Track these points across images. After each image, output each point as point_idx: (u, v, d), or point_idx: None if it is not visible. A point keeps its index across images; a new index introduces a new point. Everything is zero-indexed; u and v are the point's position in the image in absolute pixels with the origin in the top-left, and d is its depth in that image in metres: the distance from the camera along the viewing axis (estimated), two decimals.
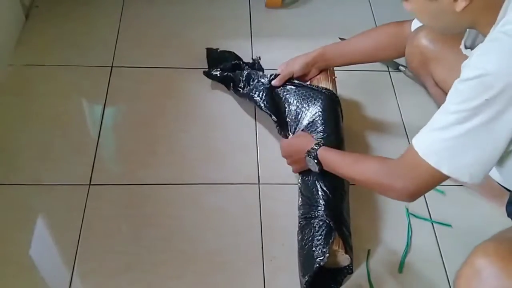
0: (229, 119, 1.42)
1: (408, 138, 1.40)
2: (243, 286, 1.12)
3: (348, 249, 1.07)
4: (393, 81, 1.57)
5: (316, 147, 1.10)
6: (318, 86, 1.29)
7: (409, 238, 1.21)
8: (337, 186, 1.15)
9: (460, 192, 1.31)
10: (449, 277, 1.16)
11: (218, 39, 1.63)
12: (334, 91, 1.30)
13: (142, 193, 1.25)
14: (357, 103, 1.50)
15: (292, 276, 1.12)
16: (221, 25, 1.69)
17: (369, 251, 1.18)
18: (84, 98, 1.45)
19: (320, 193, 1.12)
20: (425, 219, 1.25)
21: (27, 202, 1.21)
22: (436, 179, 0.87)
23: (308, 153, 1.10)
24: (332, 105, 1.25)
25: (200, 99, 1.47)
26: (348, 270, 1.09)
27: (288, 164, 1.22)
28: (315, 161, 1.09)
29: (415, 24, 1.17)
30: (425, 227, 1.24)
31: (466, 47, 0.96)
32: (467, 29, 0.95)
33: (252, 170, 1.32)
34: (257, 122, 1.42)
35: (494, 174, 1.04)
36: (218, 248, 1.17)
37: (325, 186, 1.13)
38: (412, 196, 0.92)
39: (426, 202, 1.29)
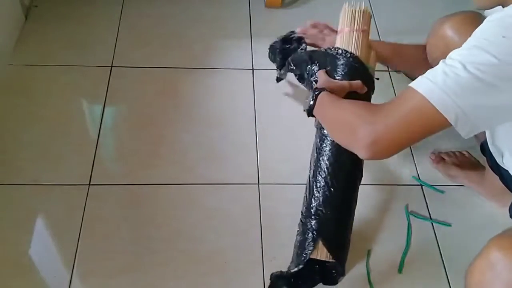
0: (229, 119, 1.42)
1: None
2: (243, 286, 1.12)
3: (337, 256, 1.03)
4: (393, 81, 1.57)
5: (313, 94, 1.01)
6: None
7: (409, 238, 1.21)
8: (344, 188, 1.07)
9: (460, 192, 1.31)
10: (449, 277, 1.16)
11: (218, 39, 1.64)
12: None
13: (142, 193, 1.25)
14: None
15: None
16: (221, 25, 1.69)
17: (369, 251, 1.18)
18: (84, 98, 1.45)
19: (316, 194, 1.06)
20: (425, 219, 1.25)
21: (26, 202, 1.21)
22: (422, 118, 0.76)
23: (314, 89, 1.02)
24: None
25: (200, 99, 1.47)
26: (337, 273, 1.07)
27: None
28: (311, 97, 1.00)
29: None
30: (425, 227, 1.24)
31: None
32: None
33: (252, 170, 1.32)
34: (257, 122, 1.42)
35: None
36: (218, 248, 1.17)
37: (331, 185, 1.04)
38: (380, 143, 0.80)
39: (426, 202, 1.29)
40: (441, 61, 0.78)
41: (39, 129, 1.35)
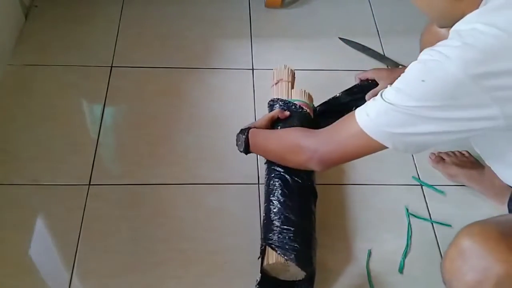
0: (229, 119, 1.42)
1: None
2: (243, 286, 1.12)
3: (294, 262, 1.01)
4: None
5: (244, 132, 1.11)
6: None
7: (409, 238, 1.21)
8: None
9: (460, 192, 1.31)
10: None
11: (218, 39, 1.64)
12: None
13: (142, 193, 1.25)
14: None
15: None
16: (221, 25, 1.69)
17: (369, 251, 1.18)
18: (84, 98, 1.45)
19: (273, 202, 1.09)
20: (425, 219, 1.25)
21: (27, 202, 1.21)
22: (360, 144, 0.88)
23: (241, 130, 1.13)
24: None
25: (200, 99, 1.47)
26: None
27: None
28: (244, 137, 1.10)
29: None
30: (425, 227, 1.24)
31: None
32: None
33: (252, 170, 1.32)
34: None
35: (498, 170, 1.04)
36: (218, 248, 1.17)
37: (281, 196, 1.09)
38: (325, 160, 0.95)
39: (426, 202, 1.29)
40: (379, 95, 0.86)
41: (39, 129, 1.35)
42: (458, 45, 0.76)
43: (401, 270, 1.16)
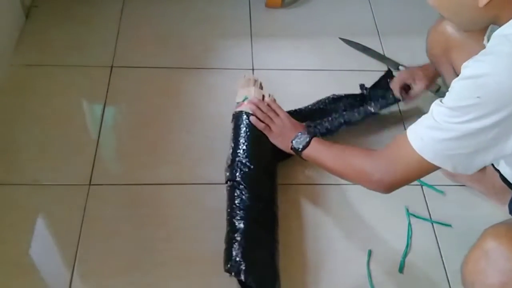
0: (229, 119, 1.41)
1: None
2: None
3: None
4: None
5: (310, 136, 1.13)
6: None
7: (409, 238, 1.21)
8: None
9: (460, 192, 1.31)
10: (449, 277, 1.16)
11: (218, 39, 1.64)
12: None
13: (142, 193, 1.25)
14: None
15: (292, 276, 1.11)
16: (221, 25, 1.69)
17: (369, 251, 1.18)
18: (84, 98, 1.45)
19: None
20: (425, 219, 1.25)
21: (27, 202, 1.21)
22: (421, 169, 0.87)
23: (302, 133, 1.14)
24: None
25: (200, 99, 1.47)
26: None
27: (271, 132, 1.21)
28: (306, 142, 1.12)
29: None
30: (425, 227, 1.24)
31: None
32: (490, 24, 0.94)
33: None
34: None
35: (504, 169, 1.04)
36: (219, 248, 1.16)
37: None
38: (390, 187, 0.95)
39: (426, 202, 1.29)
40: (429, 114, 0.85)
41: (39, 129, 1.35)
42: (509, 52, 0.74)
43: (401, 270, 1.16)
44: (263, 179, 1.18)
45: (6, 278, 1.09)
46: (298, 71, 1.57)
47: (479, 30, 0.92)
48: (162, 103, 1.45)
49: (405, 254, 1.19)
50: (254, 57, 1.59)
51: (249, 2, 1.77)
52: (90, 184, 1.25)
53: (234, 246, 1.06)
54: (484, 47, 0.92)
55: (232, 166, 1.17)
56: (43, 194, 1.22)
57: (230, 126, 1.35)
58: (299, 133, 1.15)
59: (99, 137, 1.35)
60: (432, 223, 1.25)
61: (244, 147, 1.19)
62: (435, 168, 0.85)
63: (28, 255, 1.13)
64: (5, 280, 1.09)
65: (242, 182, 1.13)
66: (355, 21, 1.75)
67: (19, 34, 1.58)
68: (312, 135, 1.14)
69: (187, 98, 1.47)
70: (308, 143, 1.12)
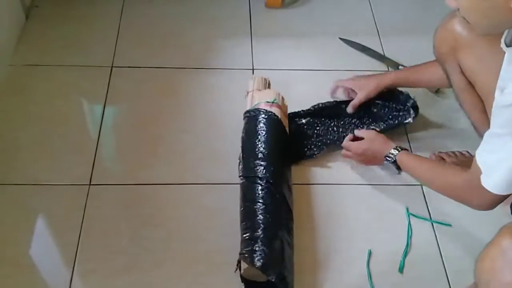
0: (229, 119, 1.42)
1: (408, 138, 1.40)
2: (243, 286, 1.11)
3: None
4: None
5: (394, 152, 1.19)
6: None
7: (409, 238, 1.21)
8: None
9: None
10: (449, 277, 1.16)
11: (218, 39, 1.64)
12: None
13: (142, 193, 1.25)
14: None
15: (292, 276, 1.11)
16: (221, 25, 1.69)
17: (369, 251, 1.18)
18: (84, 98, 1.45)
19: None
20: (425, 219, 1.25)
21: (27, 202, 1.21)
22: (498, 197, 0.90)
23: (387, 157, 1.20)
24: None
25: (200, 99, 1.47)
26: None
27: (360, 161, 1.29)
28: (395, 166, 1.19)
29: None
30: (425, 227, 1.24)
31: (507, 45, 0.90)
32: None
33: None
34: None
35: None
36: (218, 248, 1.17)
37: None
38: (490, 207, 0.95)
39: (426, 202, 1.29)
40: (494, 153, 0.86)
41: (39, 129, 1.35)
42: None
43: (401, 270, 1.16)
44: (282, 176, 1.20)
45: (6, 278, 1.09)
46: (298, 71, 1.57)
47: (495, 33, 0.89)
48: (162, 103, 1.45)
49: (405, 254, 1.19)
50: (254, 57, 1.59)
51: (249, 2, 1.77)
52: (90, 184, 1.25)
53: (260, 241, 1.05)
54: (501, 50, 0.90)
55: (249, 162, 1.18)
56: (43, 194, 1.22)
57: (230, 125, 1.36)
58: (384, 161, 1.22)
59: (99, 137, 1.35)
60: (432, 223, 1.25)
61: (263, 145, 1.20)
62: None
63: (28, 255, 1.13)
64: (5, 280, 1.09)
65: (265, 178, 1.14)
66: (355, 21, 1.74)
67: (19, 34, 1.58)
68: (395, 158, 1.19)
69: (187, 98, 1.47)
70: (398, 167, 1.19)
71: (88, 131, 1.37)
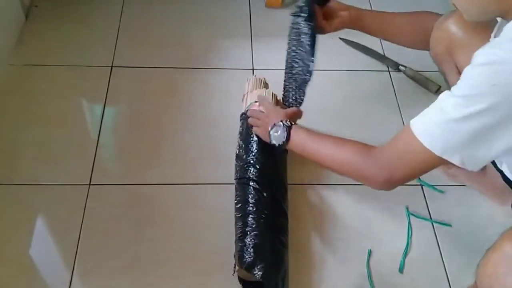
0: (229, 119, 1.42)
1: None
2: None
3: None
4: (393, 81, 1.57)
5: (289, 123, 1.08)
6: None
7: (409, 238, 1.21)
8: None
9: (460, 192, 1.31)
10: (449, 277, 1.16)
11: (218, 39, 1.64)
12: None
13: (142, 193, 1.25)
14: (357, 103, 1.50)
15: (292, 276, 1.11)
16: (221, 25, 1.69)
17: (369, 251, 1.18)
18: (84, 98, 1.45)
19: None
20: (425, 219, 1.25)
21: (27, 202, 1.21)
22: (428, 164, 0.84)
23: (280, 123, 1.08)
24: None
25: (200, 99, 1.47)
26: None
27: (251, 123, 1.20)
28: (285, 133, 1.06)
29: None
30: (425, 227, 1.24)
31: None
32: (498, 21, 0.92)
33: None
34: None
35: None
36: (218, 248, 1.17)
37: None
38: (394, 184, 0.90)
39: (426, 202, 1.29)
40: (436, 105, 0.81)
41: (39, 129, 1.35)
42: None
43: (401, 270, 1.16)
44: (276, 177, 1.19)
45: (6, 277, 1.09)
46: None
47: (483, 27, 0.90)
48: (162, 103, 1.45)
49: (405, 254, 1.19)
50: (254, 57, 1.59)
51: (249, 2, 1.77)
52: (90, 184, 1.25)
53: (247, 241, 1.05)
54: None
55: (244, 163, 1.18)
56: (43, 194, 1.22)
57: (230, 125, 1.36)
58: (275, 125, 1.09)
59: (99, 137, 1.35)
60: (432, 223, 1.25)
61: (256, 146, 1.19)
62: (442, 162, 0.82)
63: (28, 255, 1.13)
64: (6, 280, 1.09)
65: (255, 180, 1.13)
66: None
67: (19, 34, 1.58)
68: (290, 125, 1.08)
69: (187, 98, 1.47)
70: (289, 135, 1.07)
71: (88, 131, 1.37)
